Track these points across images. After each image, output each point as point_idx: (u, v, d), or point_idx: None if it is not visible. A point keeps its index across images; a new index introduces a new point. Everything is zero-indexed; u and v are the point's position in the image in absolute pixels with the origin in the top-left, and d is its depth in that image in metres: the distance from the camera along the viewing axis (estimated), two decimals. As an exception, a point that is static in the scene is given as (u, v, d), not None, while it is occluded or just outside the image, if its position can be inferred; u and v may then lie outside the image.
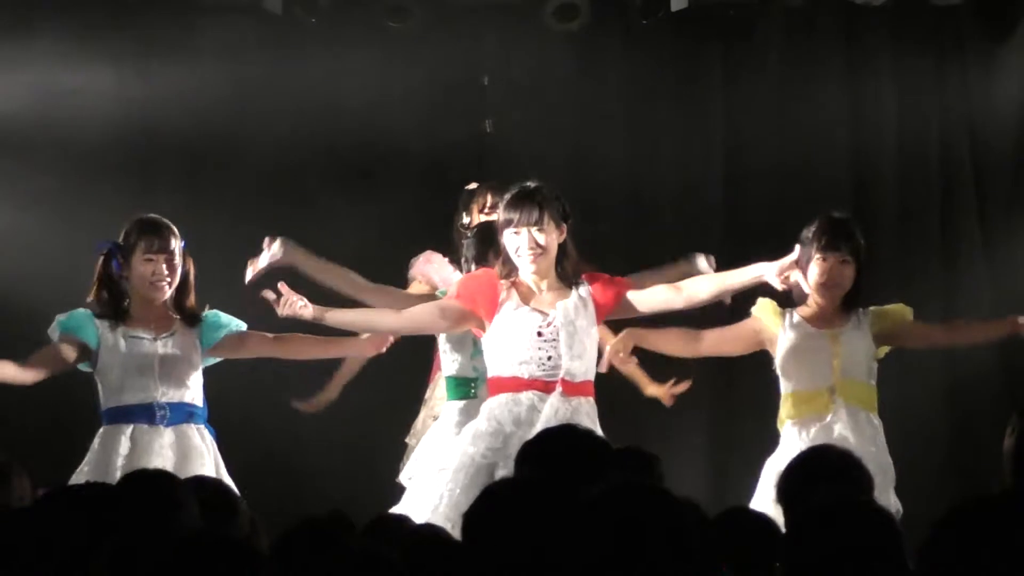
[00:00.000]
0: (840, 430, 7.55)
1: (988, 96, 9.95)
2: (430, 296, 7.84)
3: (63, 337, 7.46)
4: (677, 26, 9.69)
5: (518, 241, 7.10)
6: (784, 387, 7.54)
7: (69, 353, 7.45)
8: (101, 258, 7.48)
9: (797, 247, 7.36)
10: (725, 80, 9.99)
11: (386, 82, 9.66)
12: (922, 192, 9.98)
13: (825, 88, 9.95)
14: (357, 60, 9.61)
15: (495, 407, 7.11)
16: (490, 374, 7.16)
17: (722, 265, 8.65)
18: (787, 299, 7.52)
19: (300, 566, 4.28)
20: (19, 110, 9.36)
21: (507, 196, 7.14)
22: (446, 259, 8.04)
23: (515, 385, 7.15)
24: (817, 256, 7.52)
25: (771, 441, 8.13)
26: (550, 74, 9.84)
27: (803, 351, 7.57)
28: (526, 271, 7.13)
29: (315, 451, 9.24)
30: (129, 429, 7.50)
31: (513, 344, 7.17)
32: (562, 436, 5.15)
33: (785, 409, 7.55)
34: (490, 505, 4.11)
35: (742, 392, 9.43)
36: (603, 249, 9.55)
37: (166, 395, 7.50)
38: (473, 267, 7.46)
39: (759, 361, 7.68)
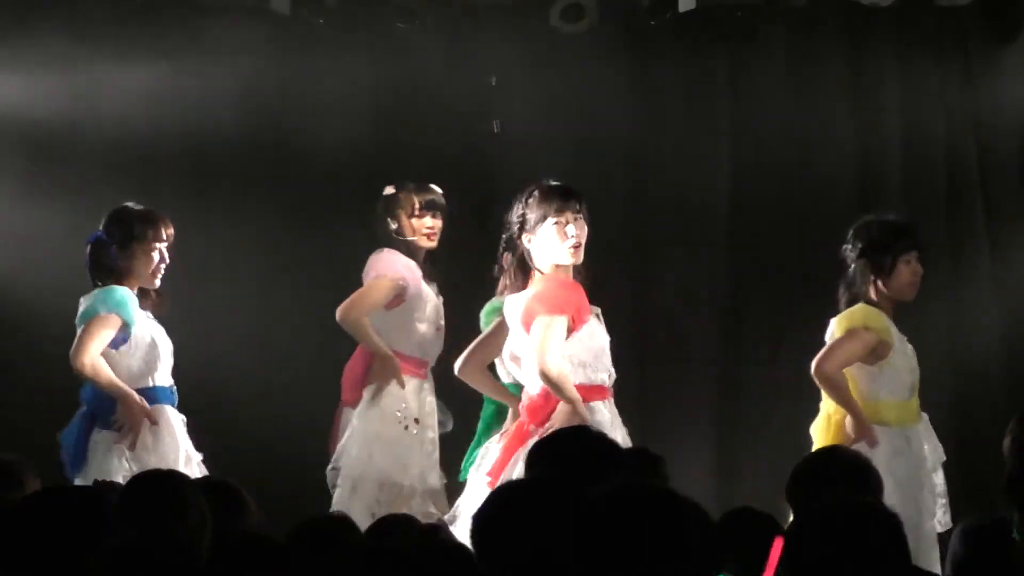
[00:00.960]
0: (927, 437, 7.60)
1: (993, 97, 9.93)
2: (395, 290, 7.95)
3: (108, 317, 7.51)
4: (684, 27, 9.67)
5: (565, 232, 7.10)
6: (879, 393, 7.51)
7: (113, 331, 7.55)
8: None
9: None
10: (731, 81, 9.99)
11: (394, 83, 9.66)
12: (927, 193, 9.96)
13: (830, 89, 9.93)
14: (365, 61, 9.61)
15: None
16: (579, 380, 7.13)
17: (728, 264, 8.67)
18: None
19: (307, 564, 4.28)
20: (31, 110, 9.37)
21: (536, 191, 7.19)
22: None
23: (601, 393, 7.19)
24: (904, 259, 7.51)
25: (774, 443, 8.15)
26: (557, 75, 9.83)
27: (909, 358, 7.57)
28: (567, 263, 7.11)
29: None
30: (164, 408, 7.59)
31: (600, 352, 7.18)
32: (574, 437, 5.14)
33: (880, 415, 7.51)
34: (498, 506, 4.10)
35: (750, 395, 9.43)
36: (608, 249, 9.58)
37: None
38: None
39: (763, 361, 7.70)
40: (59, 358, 7.78)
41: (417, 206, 8.12)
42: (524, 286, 7.25)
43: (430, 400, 8.13)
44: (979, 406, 9.64)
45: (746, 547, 4.57)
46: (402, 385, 7.97)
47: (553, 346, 7.03)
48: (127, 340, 7.65)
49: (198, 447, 7.73)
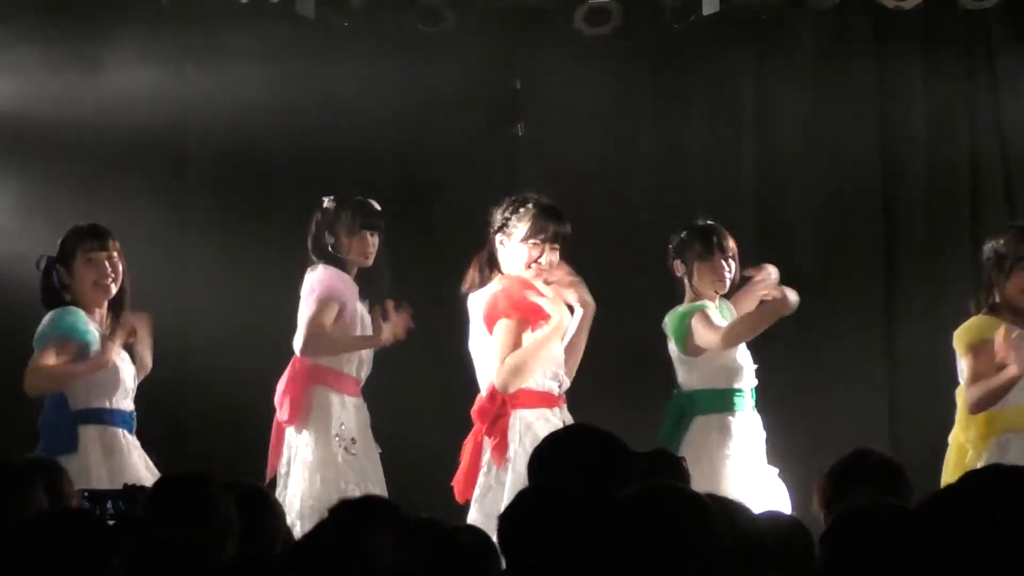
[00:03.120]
0: None
1: (1018, 98, 9.89)
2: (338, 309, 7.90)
3: (66, 337, 7.40)
4: (708, 30, 9.66)
5: (544, 255, 7.10)
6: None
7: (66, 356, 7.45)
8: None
9: None
10: (757, 83, 9.98)
11: (418, 85, 9.65)
12: (952, 194, 9.95)
13: (855, 91, 9.92)
14: (389, 63, 9.64)
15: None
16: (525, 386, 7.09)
17: (755, 263, 8.60)
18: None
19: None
20: (59, 110, 9.38)
21: (530, 205, 7.16)
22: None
23: (550, 401, 7.14)
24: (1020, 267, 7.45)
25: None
26: (582, 78, 9.82)
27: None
28: (537, 282, 7.11)
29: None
30: (119, 432, 7.48)
31: (552, 360, 7.14)
32: (585, 437, 5.07)
33: (990, 424, 7.47)
34: (525, 507, 4.07)
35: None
36: (636, 249, 9.54)
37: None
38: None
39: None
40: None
41: (357, 225, 8.01)
42: (486, 283, 7.25)
43: (366, 416, 8.03)
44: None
45: (782, 549, 4.49)
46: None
47: (505, 352, 7.13)
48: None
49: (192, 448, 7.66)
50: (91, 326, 7.44)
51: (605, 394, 8.67)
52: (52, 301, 7.51)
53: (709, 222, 7.90)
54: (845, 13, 9.69)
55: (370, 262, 8.05)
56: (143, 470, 7.42)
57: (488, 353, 7.20)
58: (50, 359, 7.38)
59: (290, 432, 7.92)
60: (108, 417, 7.44)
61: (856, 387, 9.35)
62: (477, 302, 7.25)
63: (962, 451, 7.49)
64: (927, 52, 9.94)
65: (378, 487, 7.85)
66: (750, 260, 9.13)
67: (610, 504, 3.90)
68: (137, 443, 7.53)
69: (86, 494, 5.52)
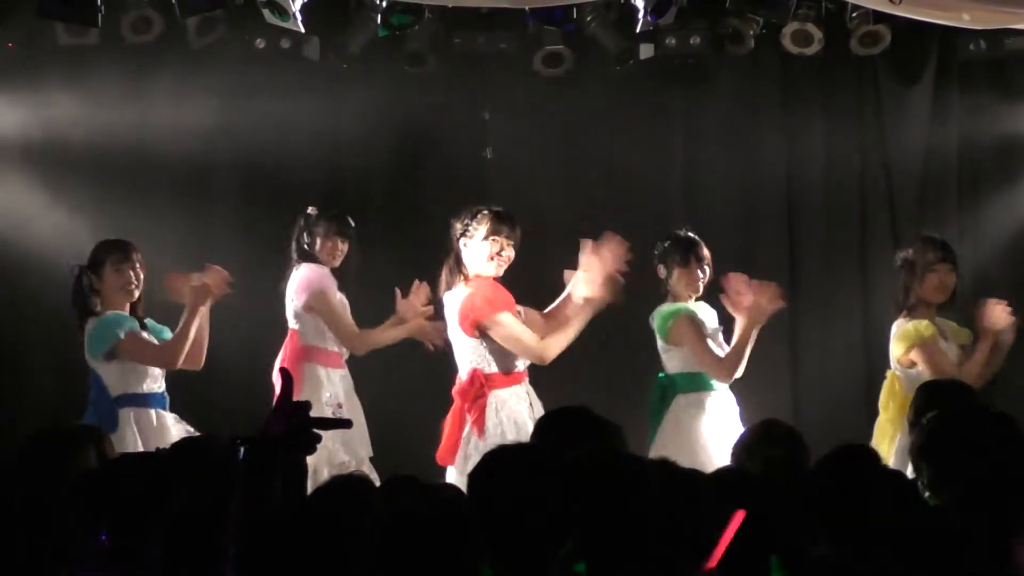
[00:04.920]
0: None
1: (900, 130, 9.91)
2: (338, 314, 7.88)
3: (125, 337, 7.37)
4: (645, 72, 9.65)
5: (500, 250, 7.04)
6: None
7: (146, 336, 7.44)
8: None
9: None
10: (684, 116, 9.98)
11: (404, 116, 9.64)
12: (845, 212, 9.95)
13: (765, 124, 9.92)
14: (380, 98, 9.58)
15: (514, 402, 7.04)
16: (498, 369, 7.05)
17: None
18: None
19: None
20: (102, 139, 9.36)
21: (485, 211, 7.14)
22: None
23: (517, 379, 7.10)
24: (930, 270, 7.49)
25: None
26: (540, 110, 9.81)
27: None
28: (491, 275, 7.09)
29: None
30: (153, 412, 7.42)
31: None
32: (577, 415, 5.06)
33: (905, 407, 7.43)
34: (488, 464, 4.06)
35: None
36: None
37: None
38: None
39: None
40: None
41: (332, 232, 8.05)
42: (456, 284, 7.17)
43: (350, 383, 8.04)
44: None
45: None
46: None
47: (524, 334, 6.98)
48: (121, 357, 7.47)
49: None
50: (124, 324, 7.41)
51: (591, 380, 8.73)
52: (80, 302, 7.46)
53: (689, 234, 7.82)
54: (757, 58, 9.69)
55: (337, 263, 8.09)
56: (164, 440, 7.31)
57: (463, 345, 7.13)
58: (140, 345, 7.35)
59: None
60: (142, 400, 7.37)
61: (766, 369, 9.35)
62: (451, 301, 7.20)
63: (885, 427, 7.49)
64: (825, 92, 9.95)
65: (361, 442, 7.90)
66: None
67: (559, 462, 3.90)
68: (173, 418, 7.45)
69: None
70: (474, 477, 4.01)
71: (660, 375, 7.68)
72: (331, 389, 7.96)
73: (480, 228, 7.13)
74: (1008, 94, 9.79)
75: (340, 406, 7.91)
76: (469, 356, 7.09)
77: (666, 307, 7.63)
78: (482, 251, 7.12)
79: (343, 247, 8.11)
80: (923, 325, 7.42)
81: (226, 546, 3.50)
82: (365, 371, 8.28)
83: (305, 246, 8.09)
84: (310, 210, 8.15)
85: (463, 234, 7.15)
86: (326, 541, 3.66)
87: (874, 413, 9.43)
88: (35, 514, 3.87)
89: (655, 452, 7.24)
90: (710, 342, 7.56)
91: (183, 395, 7.75)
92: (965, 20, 8.27)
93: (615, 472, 3.86)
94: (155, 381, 7.42)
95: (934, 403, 5.62)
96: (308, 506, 4.42)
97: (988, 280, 9.74)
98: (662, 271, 7.73)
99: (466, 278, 7.13)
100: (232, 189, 9.62)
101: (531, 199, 9.40)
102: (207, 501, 3.88)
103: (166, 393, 7.45)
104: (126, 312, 7.44)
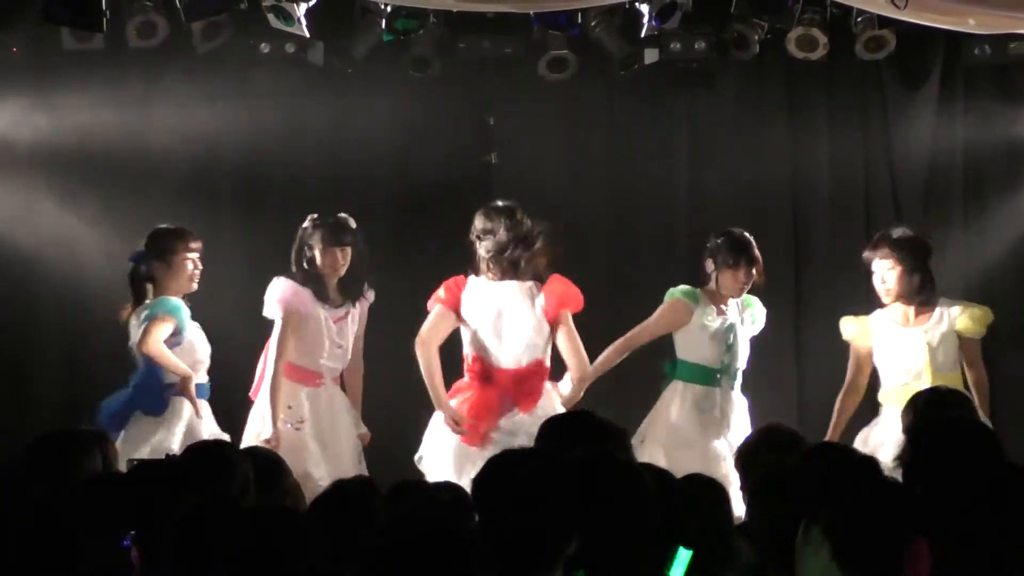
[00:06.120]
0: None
1: (905, 135, 9.93)
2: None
3: (165, 317, 7.61)
4: (649, 76, 9.66)
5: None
6: None
7: (171, 327, 7.66)
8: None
9: None
10: (689, 121, 9.99)
11: (409, 121, 9.67)
12: (850, 217, 9.95)
13: (770, 128, 9.93)
14: (385, 103, 9.61)
15: None
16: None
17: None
18: None
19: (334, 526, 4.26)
20: (120, 140, 9.39)
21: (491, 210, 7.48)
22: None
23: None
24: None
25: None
26: (545, 115, 9.84)
27: None
28: None
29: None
30: (198, 402, 7.62)
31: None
32: (581, 419, 5.11)
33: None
34: (492, 469, 4.10)
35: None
36: (587, 260, 9.58)
37: None
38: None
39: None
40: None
41: (329, 242, 7.96)
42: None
43: (329, 405, 7.95)
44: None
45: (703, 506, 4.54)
46: None
47: None
48: (180, 344, 7.62)
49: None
50: (187, 318, 7.61)
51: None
52: (139, 286, 7.63)
53: (745, 234, 7.94)
54: (762, 62, 9.72)
55: (340, 273, 8.00)
56: (207, 432, 7.56)
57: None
58: (162, 333, 7.56)
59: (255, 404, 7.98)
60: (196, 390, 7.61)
61: (771, 373, 9.38)
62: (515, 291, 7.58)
63: None
64: (830, 96, 9.96)
65: (316, 464, 7.75)
66: (682, 267, 9.20)
67: (557, 467, 3.93)
68: (208, 409, 7.69)
69: (134, 463, 5.55)
70: (478, 482, 4.05)
71: (668, 361, 7.83)
72: (293, 403, 7.90)
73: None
74: (1013, 98, 9.81)
75: (301, 421, 7.84)
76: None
77: (671, 291, 7.77)
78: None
79: (344, 254, 8.01)
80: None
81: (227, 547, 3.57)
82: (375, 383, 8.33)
83: (305, 260, 8.00)
84: (307, 222, 8.07)
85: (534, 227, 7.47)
86: (328, 543, 3.72)
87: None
88: (42, 517, 3.92)
89: (640, 431, 7.42)
90: (645, 333, 7.78)
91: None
92: (970, 25, 8.30)
93: (616, 477, 3.89)
94: (202, 370, 7.70)
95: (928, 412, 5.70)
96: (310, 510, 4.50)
97: (992, 283, 9.80)
98: (710, 265, 7.81)
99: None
100: (237, 193, 9.65)
101: (536, 204, 9.42)
102: (214, 503, 3.94)
103: (208, 385, 7.74)
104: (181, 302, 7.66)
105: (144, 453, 7.19)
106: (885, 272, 7.82)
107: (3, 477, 4.22)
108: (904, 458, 4.39)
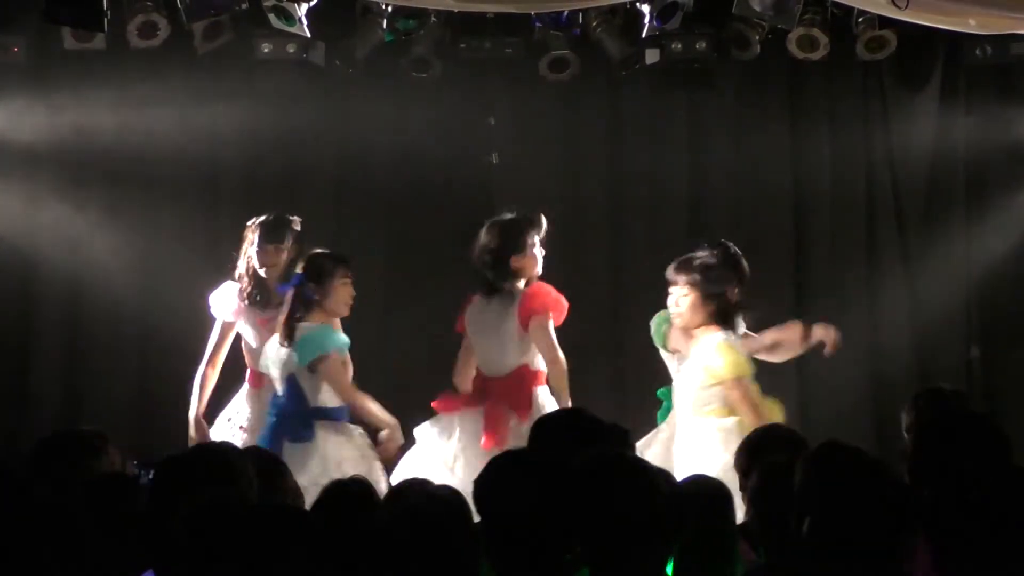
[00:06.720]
0: None
1: (906, 135, 9.95)
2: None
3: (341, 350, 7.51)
4: (650, 76, 9.68)
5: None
6: None
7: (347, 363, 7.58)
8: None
9: None
10: (690, 121, 10.00)
11: (411, 122, 9.68)
12: (851, 215, 9.96)
13: (771, 128, 9.94)
14: (386, 103, 9.62)
15: None
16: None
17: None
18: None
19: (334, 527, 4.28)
20: (119, 140, 9.41)
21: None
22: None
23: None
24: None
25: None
26: (545, 115, 9.86)
27: None
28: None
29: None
30: (347, 425, 7.55)
31: None
32: (567, 416, 5.12)
33: None
34: (495, 472, 4.11)
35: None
36: (587, 260, 9.62)
37: None
38: None
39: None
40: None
41: (262, 240, 7.88)
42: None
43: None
44: (891, 390, 9.61)
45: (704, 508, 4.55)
46: None
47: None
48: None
49: None
50: (339, 338, 7.53)
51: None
52: (301, 311, 7.48)
53: (734, 248, 7.68)
54: (763, 63, 9.74)
55: (277, 269, 7.85)
56: (356, 452, 7.44)
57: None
58: (348, 376, 7.48)
59: None
60: (337, 413, 7.45)
61: (772, 373, 9.40)
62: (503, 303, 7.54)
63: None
64: (831, 96, 9.98)
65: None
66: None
67: (565, 469, 3.93)
68: (359, 432, 7.54)
69: (135, 463, 5.56)
70: (479, 484, 4.07)
71: (664, 387, 7.63)
72: (238, 406, 7.91)
73: (537, 234, 7.40)
74: (1014, 99, 9.83)
75: (242, 428, 7.81)
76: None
77: (661, 314, 7.59)
78: (538, 256, 7.40)
79: (272, 250, 7.86)
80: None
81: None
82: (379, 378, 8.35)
83: (242, 259, 7.92)
84: (250, 221, 8.01)
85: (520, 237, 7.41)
86: (329, 543, 3.74)
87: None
88: (46, 518, 3.94)
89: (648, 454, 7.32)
90: None
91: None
92: (971, 25, 8.31)
93: (620, 476, 3.89)
94: None
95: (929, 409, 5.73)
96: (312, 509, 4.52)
97: (995, 284, 9.83)
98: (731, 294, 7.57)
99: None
100: (238, 194, 9.64)
101: (536, 204, 9.42)
102: (219, 503, 3.96)
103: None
104: (338, 327, 7.55)
105: (303, 482, 7.17)
106: (680, 297, 7.60)
107: (7, 478, 4.24)
108: (909, 457, 4.41)
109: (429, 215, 9.61)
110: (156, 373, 9.27)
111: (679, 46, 9.44)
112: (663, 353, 7.60)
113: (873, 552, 3.66)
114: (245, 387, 7.95)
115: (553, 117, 9.90)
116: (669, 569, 3.90)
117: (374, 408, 7.48)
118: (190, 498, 3.92)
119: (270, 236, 7.87)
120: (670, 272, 7.44)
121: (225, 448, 4.78)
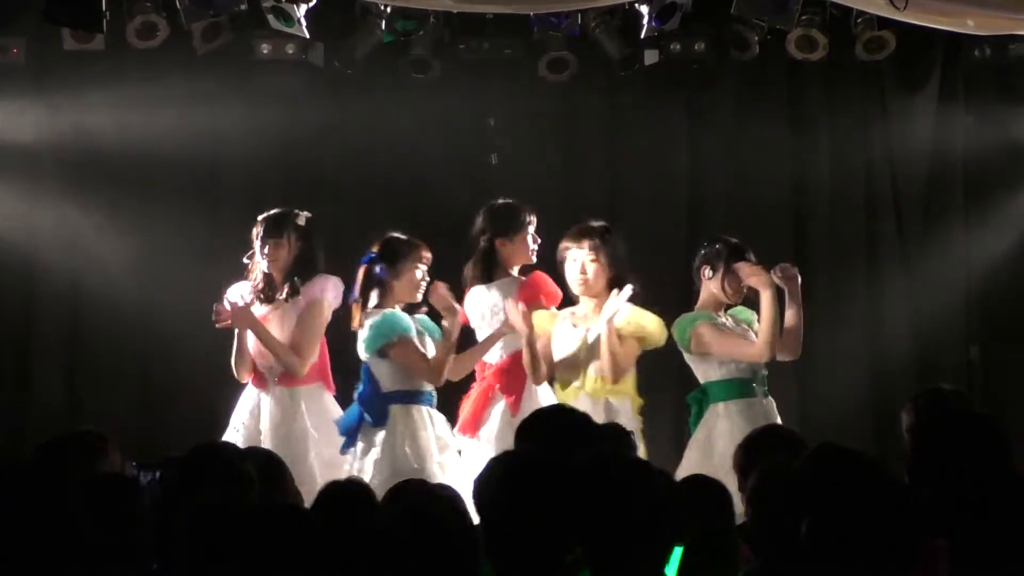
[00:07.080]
0: None
1: (905, 135, 9.97)
2: None
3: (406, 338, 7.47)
4: (649, 78, 9.69)
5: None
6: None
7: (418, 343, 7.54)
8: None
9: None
10: (689, 122, 10.02)
11: (410, 123, 9.70)
12: (850, 215, 9.99)
13: (770, 128, 9.95)
14: (386, 105, 9.64)
15: None
16: None
17: (685, 266, 8.65)
18: None
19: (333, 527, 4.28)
20: (121, 140, 9.44)
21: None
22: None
23: None
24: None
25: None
26: (544, 116, 9.88)
27: None
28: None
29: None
30: (423, 409, 7.50)
31: None
32: (557, 414, 5.14)
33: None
34: (496, 472, 4.12)
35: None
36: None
37: None
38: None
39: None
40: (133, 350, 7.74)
41: (265, 235, 7.84)
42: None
43: (273, 409, 7.79)
44: (891, 390, 9.63)
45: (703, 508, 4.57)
46: None
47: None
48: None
49: None
50: (412, 326, 7.50)
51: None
52: (366, 291, 7.50)
53: (736, 240, 7.74)
54: (762, 63, 9.75)
55: (279, 266, 7.82)
56: (434, 440, 7.42)
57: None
58: (420, 352, 7.44)
59: None
60: (412, 397, 7.43)
61: (772, 375, 9.41)
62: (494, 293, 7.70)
63: None
64: (830, 96, 10.00)
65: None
66: (682, 260, 9.22)
67: (565, 469, 3.95)
68: (441, 418, 7.52)
69: (134, 464, 5.57)
70: (479, 484, 4.08)
71: (692, 392, 7.62)
72: (240, 411, 7.85)
73: (529, 225, 7.51)
74: (1013, 99, 9.85)
75: (237, 430, 7.77)
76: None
77: (684, 318, 7.56)
78: (529, 243, 7.61)
79: (278, 249, 7.82)
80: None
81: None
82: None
83: (256, 254, 7.88)
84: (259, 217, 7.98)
85: (506, 231, 7.51)
86: (329, 543, 3.75)
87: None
88: (48, 518, 3.95)
89: (684, 461, 7.31)
90: (737, 334, 7.57)
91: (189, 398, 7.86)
92: (969, 26, 8.33)
93: (620, 476, 3.90)
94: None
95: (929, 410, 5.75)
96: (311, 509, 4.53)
97: (994, 284, 9.84)
98: (707, 273, 7.65)
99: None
100: (238, 194, 9.66)
101: (535, 205, 9.45)
102: (221, 502, 3.97)
103: (434, 391, 7.53)
104: (404, 312, 7.52)
105: (384, 466, 7.17)
106: (586, 261, 7.72)
107: (9, 478, 4.25)
108: (909, 457, 4.41)
109: (428, 216, 9.62)
110: (156, 373, 9.28)
111: (678, 47, 9.47)
112: (687, 356, 7.59)
113: (872, 553, 3.67)
114: (249, 389, 7.88)
115: (552, 118, 9.92)
116: (669, 569, 3.91)
117: (451, 345, 7.43)
118: (191, 499, 3.93)
119: (270, 232, 7.86)
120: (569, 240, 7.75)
121: (226, 449, 4.79)
